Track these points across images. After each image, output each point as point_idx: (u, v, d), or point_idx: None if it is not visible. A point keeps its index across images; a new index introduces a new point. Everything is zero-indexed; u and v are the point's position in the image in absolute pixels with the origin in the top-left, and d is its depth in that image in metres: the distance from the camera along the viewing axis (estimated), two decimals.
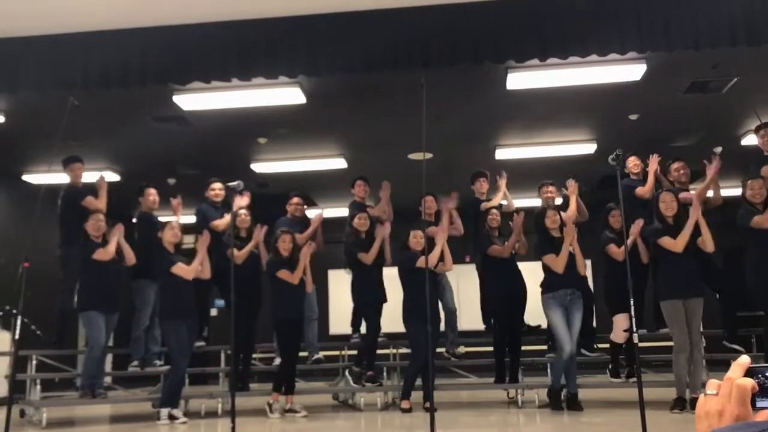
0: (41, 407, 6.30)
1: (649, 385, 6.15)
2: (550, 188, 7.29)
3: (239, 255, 6.64)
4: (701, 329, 6.04)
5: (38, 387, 6.89)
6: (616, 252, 6.41)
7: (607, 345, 6.94)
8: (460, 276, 7.47)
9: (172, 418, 6.11)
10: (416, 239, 6.55)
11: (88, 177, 7.26)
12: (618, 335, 6.61)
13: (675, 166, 6.89)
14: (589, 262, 7.58)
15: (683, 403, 5.82)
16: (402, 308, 6.56)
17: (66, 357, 7.48)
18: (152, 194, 7.31)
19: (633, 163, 6.99)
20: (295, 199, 7.67)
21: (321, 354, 7.45)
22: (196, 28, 5.74)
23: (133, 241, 7.01)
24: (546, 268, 6.35)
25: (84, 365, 6.61)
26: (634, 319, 4.67)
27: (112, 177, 9.34)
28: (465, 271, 7.68)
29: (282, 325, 6.53)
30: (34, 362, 7.09)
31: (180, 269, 6.19)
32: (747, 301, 6.42)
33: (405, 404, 6.44)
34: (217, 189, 7.36)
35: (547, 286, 6.30)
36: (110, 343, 7.16)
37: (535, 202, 7.60)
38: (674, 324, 5.89)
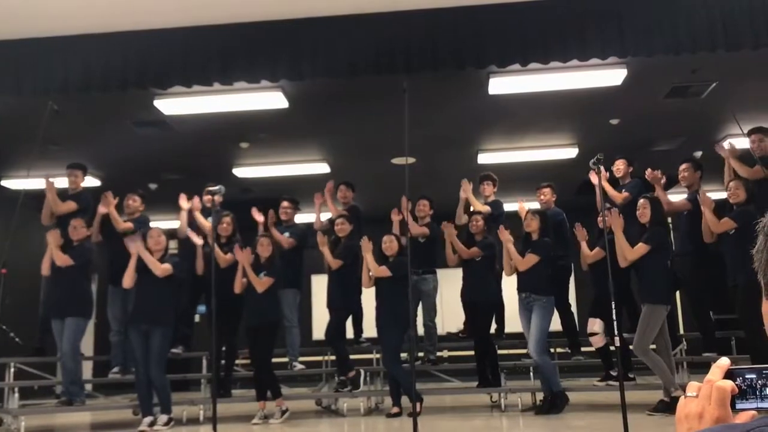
0: (19, 416, 6.21)
1: (631, 387, 6.21)
2: (545, 190, 7.33)
3: (222, 258, 6.70)
4: (645, 335, 5.91)
5: (16, 395, 6.79)
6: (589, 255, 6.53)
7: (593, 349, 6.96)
8: (442, 280, 7.47)
9: (152, 425, 6.06)
10: (387, 245, 6.57)
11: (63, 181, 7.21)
12: (590, 339, 6.64)
13: (682, 167, 6.83)
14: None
15: (665, 406, 5.79)
16: None
17: (45, 365, 7.38)
18: (130, 198, 7.26)
19: (617, 167, 7.00)
20: (285, 203, 7.65)
21: (297, 363, 7.47)
22: (177, 33, 5.71)
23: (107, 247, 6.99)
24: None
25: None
26: (615, 323, 4.68)
27: (94, 182, 9.26)
28: (447, 275, 7.68)
29: (246, 331, 6.59)
30: (12, 370, 7.00)
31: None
32: (720, 303, 6.52)
33: (393, 410, 6.44)
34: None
35: None
36: (90, 350, 7.08)
37: (517, 206, 7.61)
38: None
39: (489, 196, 7.51)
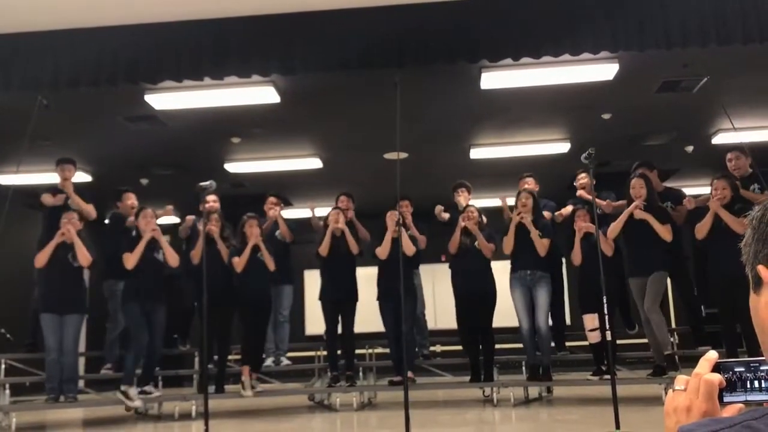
0: (10, 412, 6.19)
1: (623, 382, 6.25)
2: (528, 180, 7.37)
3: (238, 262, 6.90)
4: (659, 297, 6.24)
5: (7, 391, 6.76)
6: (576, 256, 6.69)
7: (586, 343, 7.00)
8: (435, 276, 7.50)
9: (144, 393, 6.40)
10: (392, 219, 6.83)
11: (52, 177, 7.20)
12: (588, 335, 6.67)
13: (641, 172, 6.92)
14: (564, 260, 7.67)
15: (662, 371, 6.24)
16: None
17: (36, 361, 7.34)
18: (131, 198, 7.29)
19: (581, 181, 7.11)
20: (271, 199, 7.65)
21: (284, 358, 7.52)
22: (167, 27, 5.67)
23: (102, 242, 6.96)
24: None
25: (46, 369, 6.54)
26: (607, 317, 4.71)
27: (84, 178, 9.21)
28: (440, 270, 7.69)
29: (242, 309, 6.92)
30: (3, 366, 6.97)
31: (125, 257, 6.46)
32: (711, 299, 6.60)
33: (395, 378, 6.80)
34: (211, 201, 7.28)
35: (510, 268, 6.78)
36: (81, 346, 7.06)
37: (509, 201, 7.61)
38: (638, 300, 6.31)
39: (464, 204, 7.50)
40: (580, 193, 7.12)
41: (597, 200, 6.82)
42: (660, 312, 6.18)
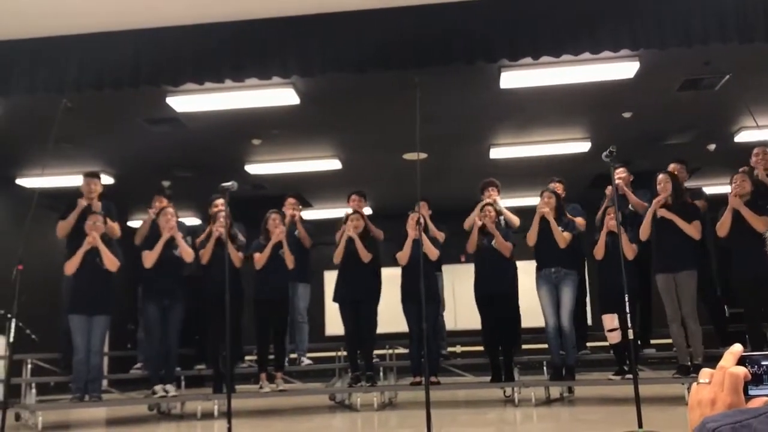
0: (37, 411, 6.28)
1: (645, 381, 6.20)
2: (556, 185, 7.32)
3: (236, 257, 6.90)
4: (694, 301, 6.18)
5: (33, 391, 6.85)
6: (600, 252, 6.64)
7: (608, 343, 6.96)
8: (455, 276, 7.47)
9: (166, 392, 6.52)
10: (412, 221, 6.79)
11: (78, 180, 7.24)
12: (607, 335, 6.62)
13: (672, 167, 6.87)
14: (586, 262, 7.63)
15: (686, 370, 6.13)
16: None
17: (61, 361, 7.43)
18: (163, 202, 7.35)
19: (620, 176, 7.01)
20: (290, 200, 7.67)
21: (305, 358, 7.55)
22: (188, 30, 5.73)
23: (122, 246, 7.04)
24: (535, 249, 6.79)
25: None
26: (629, 315, 4.69)
27: (106, 179, 9.32)
28: (460, 271, 7.69)
29: (255, 305, 6.98)
30: (29, 366, 7.06)
31: (144, 255, 6.63)
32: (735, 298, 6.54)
33: (415, 378, 6.86)
34: (219, 205, 7.30)
35: (536, 266, 6.78)
36: (105, 346, 7.12)
37: (529, 201, 7.60)
38: (665, 296, 6.25)
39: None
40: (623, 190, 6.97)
41: (633, 198, 6.82)
42: (697, 319, 6.13)
